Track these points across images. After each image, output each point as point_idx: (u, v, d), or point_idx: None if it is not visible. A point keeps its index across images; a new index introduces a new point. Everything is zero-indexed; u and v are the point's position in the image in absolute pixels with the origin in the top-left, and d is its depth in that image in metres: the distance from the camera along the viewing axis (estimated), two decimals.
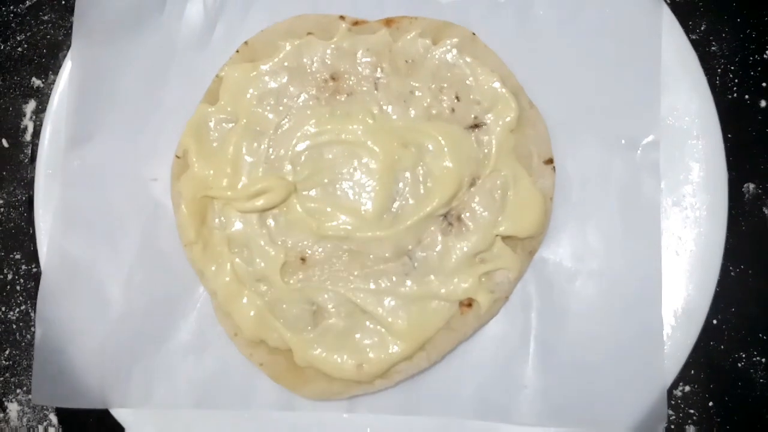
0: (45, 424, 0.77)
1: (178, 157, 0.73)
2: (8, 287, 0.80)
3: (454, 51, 0.72)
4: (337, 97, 0.72)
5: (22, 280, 0.80)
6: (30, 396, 0.77)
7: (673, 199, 0.70)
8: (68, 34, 0.84)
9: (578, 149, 0.72)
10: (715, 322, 0.74)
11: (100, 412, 0.70)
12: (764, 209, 0.76)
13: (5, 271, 0.81)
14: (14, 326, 0.80)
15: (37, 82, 0.84)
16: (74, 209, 0.73)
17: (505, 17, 0.74)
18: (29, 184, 0.81)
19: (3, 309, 0.80)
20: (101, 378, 0.70)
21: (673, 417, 0.73)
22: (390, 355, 0.68)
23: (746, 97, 0.78)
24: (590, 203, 0.71)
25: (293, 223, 0.70)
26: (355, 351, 0.68)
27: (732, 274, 0.74)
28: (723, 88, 0.78)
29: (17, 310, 0.80)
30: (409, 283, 0.69)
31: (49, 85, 0.83)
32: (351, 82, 0.73)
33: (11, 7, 0.86)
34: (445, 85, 0.72)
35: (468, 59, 0.72)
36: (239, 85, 0.73)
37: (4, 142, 0.83)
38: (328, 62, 0.73)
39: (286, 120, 0.72)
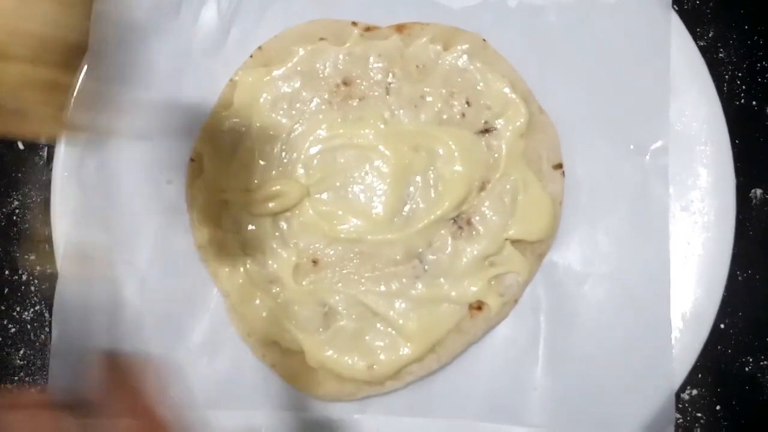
0: None
1: (192, 160, 0.74)
2: (23, 288, 0.81)
3: (465, 57, 0.73)
4: (349, 102, 0.73)
5: (36, 281, 0.81)
6: None
7: (682, 204, 0.71)
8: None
9: (588, 154, 0.72)
10: (722, 326, 0.74)
11: None
12: None
13: (20, 272, 0.82)
14: (29, 326, 0.81)
15: None
16: (90, 211, 0.74)
17: (515, 23, 0.75)
18: (44, 186, 0.82)
19: (18, 309, 0.81)
20: None
21: (681, 420, 0.73)
22: (400, 357, 0.69)
23: (754, 103, 0.78)
24: (599, 207, 0.71)
25: (306, 225, 0.71)
26: (366, 352, 0.69)
27: (739, 278, 0.75)
28: (730, 95, 0.78)
29: (32, 310, 0.81)
30: (419, 285, 0.70)
31: None
32: (363, 87, 0.74)
33: None
34: (456, 90, 0.73)
35: (479, 65, 0.73)
36: (253, 89, 0.74)
37: (20, 144, 0.84)
38: (341, 67, 0.74)
39: (298, 124, 0.73)
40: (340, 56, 0.74)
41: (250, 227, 0.72)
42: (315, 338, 0.70)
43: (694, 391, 0.74)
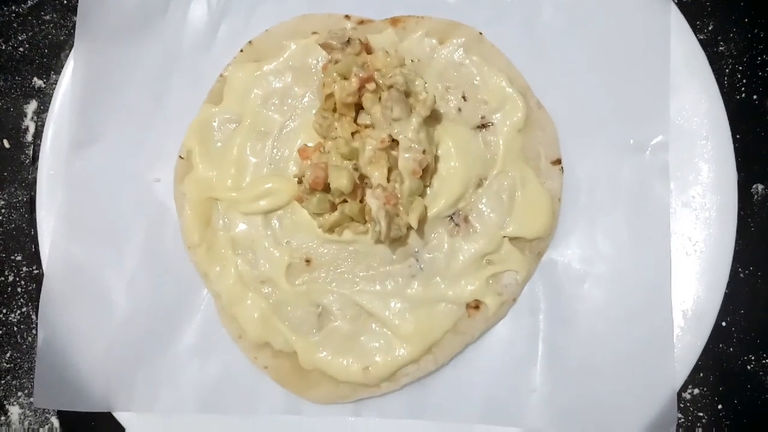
0: (47, 427, 0.77)
1: (181, 157, 0.72)
2: (9, 289, 0.80)
3: (461, 51, 0.72)
4: None
5: (23, 282, 0.80)
6: (31, 399, 0.76)
7: (683, 200, 0.70)
8: (70, 34, 0.83)
9: (587, 150, 0.71)
10: (724, 324, 0.73)
11: (103, 415, 0.70)
12: None
13: (6, 273, 0.80)
14: (15, 329, 0.79)
15: (38, 82, 0.84)
16: (77, 211, 0.72)
17: (512, 17, 0.73)
18: (30, 185, 0.81)
19: (4, 311, 0.79)
20: (105, 381, 0.69)
21: (683, 420, 0.72)
22: (396, 358, 0.67)
23: (754, 97, 0.77)
24: (599, 204, 0.70)
25: (298, 224, 0.70)
26: (361, 354, 0.68)
27: (741, 275, 0.74)
28: (731, 89, 0.77)
29: (18, 312, 0.79)
30: (415, 285, 0.69)
31: (51, 86, 0.83)
32: None
33: (13, 7, 0.85)
34: (452, 84, 0.72)
35: (475, 59, 0.72)
36: (243, 85, 0.72)
37: (6, 143, 0.83)
38: None
39: (290, 120, 0.72)
40: None
41: (241, 226, 0.70)
42: (308, 339, 0.68)
43: (696, 390, 0.73)
